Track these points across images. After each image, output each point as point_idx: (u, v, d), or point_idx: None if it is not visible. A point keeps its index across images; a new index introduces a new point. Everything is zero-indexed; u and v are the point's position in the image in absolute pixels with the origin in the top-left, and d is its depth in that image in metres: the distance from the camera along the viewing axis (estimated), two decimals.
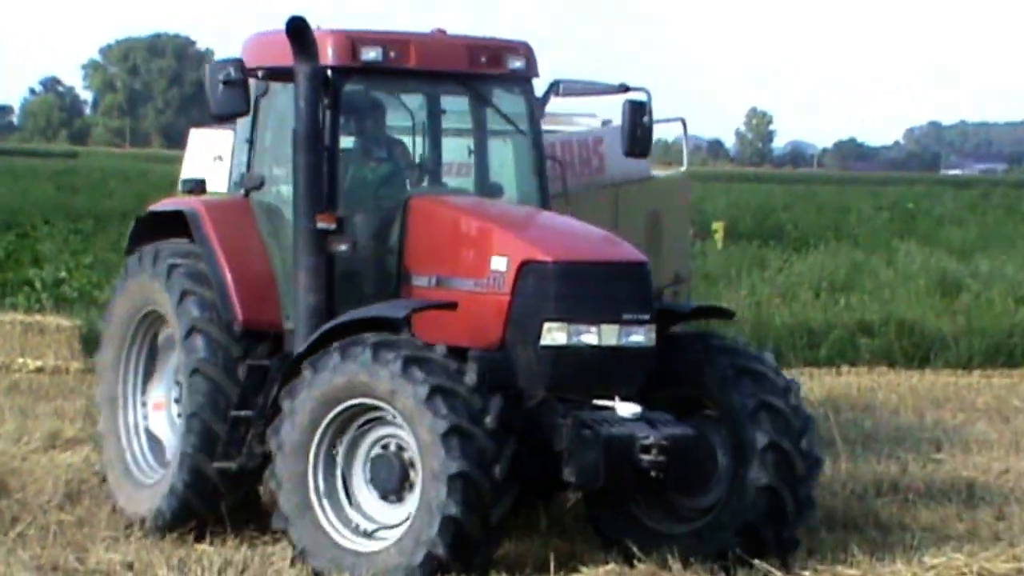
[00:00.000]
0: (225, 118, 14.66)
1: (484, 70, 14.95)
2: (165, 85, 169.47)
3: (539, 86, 15.53)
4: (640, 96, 15.35)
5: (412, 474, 13.21)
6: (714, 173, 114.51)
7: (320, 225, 14.22)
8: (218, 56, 14.11)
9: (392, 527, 13.30)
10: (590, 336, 13.59)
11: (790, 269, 39.12)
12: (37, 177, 70.30)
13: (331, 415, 13.31)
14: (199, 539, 15.05)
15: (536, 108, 15.32)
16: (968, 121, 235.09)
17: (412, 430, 12.96)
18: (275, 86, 14.89)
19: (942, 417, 23.57)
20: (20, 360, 24.81)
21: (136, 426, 15.62)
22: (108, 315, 15.84)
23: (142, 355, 15.64)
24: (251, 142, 15.12)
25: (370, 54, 14.52)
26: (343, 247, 14.42)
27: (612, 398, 13.69)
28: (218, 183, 15.97)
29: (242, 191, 15.21)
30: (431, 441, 12.78)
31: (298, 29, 13.97)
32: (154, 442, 15.60)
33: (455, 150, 15.45)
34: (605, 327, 13.62)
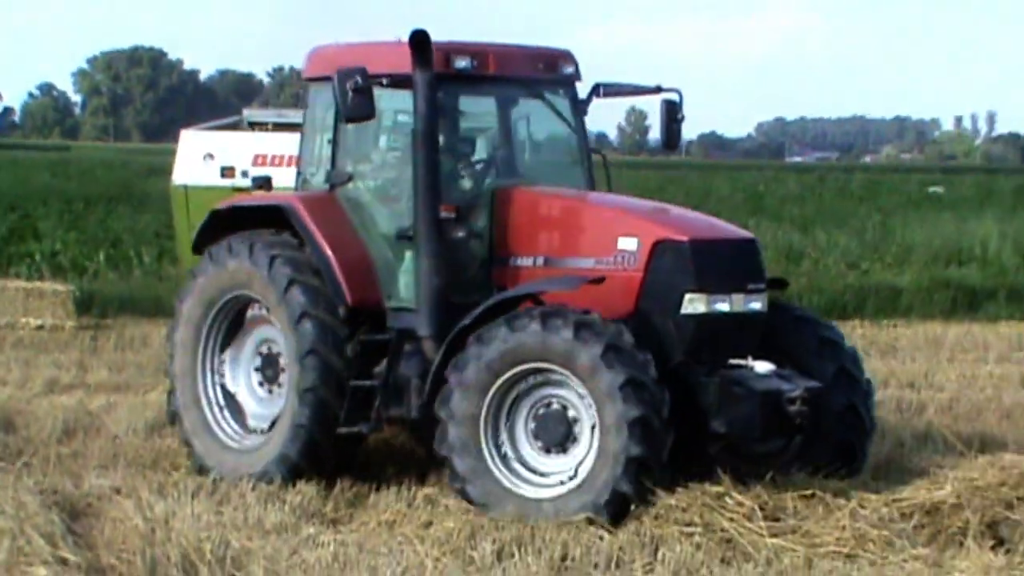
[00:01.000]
0: (355, 121, 13.84)
1: (543, 75, 14.56)
2: (143, 90, 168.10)
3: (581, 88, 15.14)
4: (673, 96, 14.99)
5: (575, 428, 12.82)
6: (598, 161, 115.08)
7: (444, 215, 13.70)
8: (345, 66, 13.61)
9: (560, 474, 12.88)
10: (723, 304, 13.27)
11: None
12: (36, 167, 69.67)
13: (499, 382, 12.80)
14: (176, 468, 14.99)
15: (581, 108, 14.89)
16: (807, 117, 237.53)
17: (587, 386, 12.52)
18: None
19: None
20: (23, 320, 24.66)
21: (216, 396, 14.81)
22: (187, 298, 14.78)
23: (220, 333, 14.78)
24: (335, 143, 14.44)
25: (461, 63, 14.05)
26: (461, 234, 13.95)
27: (743, 358, 13.41)
28: (208, 177, 15.78)
29: (327, 186, 14.52)
30: (608, 393, 12.38)
31: (420, 41, 13.51)
32: (235, 411, 14.82)
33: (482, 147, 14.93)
34: (735, 296, 13.35)
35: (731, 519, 12.63)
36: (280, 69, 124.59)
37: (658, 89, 14.87)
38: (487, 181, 14.43)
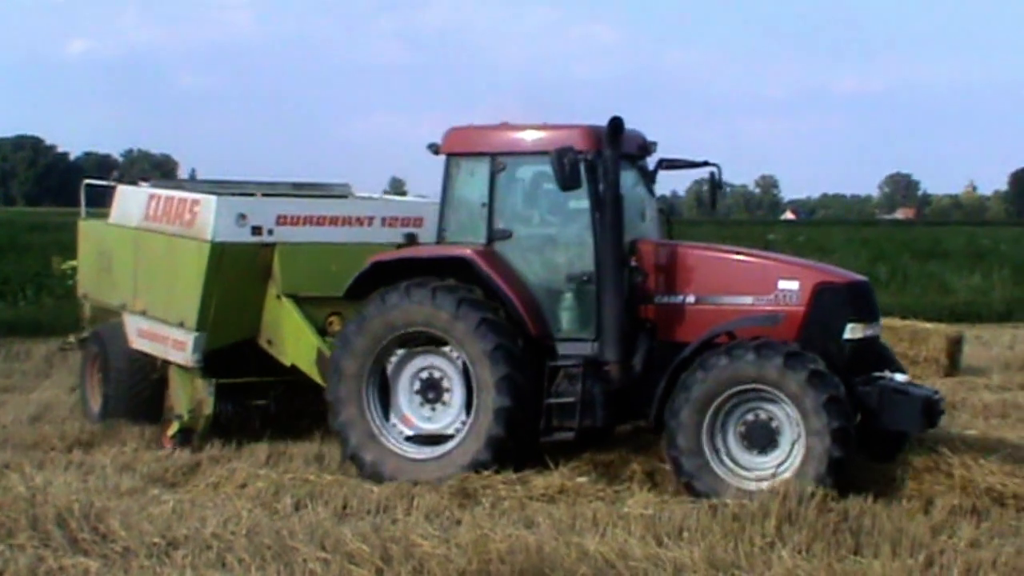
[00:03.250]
0: (570, 189, 12.76)
1: (639, 152, 13.75)
2: (25, 167, 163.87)
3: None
4: (714, 169, 14.24)
5: (778, 435, 12.18)
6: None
7: (631, 263, 12.87)
8: (561, 145, 12.71)
9: (761, 471, 12.20)
10: (868, 330, 12.76)
11: None
12: None
13: (720, 398, 12.12)
14: (52, 448, 14.80)
15: (653, 176, 14.13)
16: None
17: (795, 403, 11.88)
18: (512, 164, 13.32)
19: None
20: None
21: (378, 412, 13.46)
22: (352, 337, 13.32)
23: (384, 363, 13.44)
24: (491, 207, 13.23)
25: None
26: (639, 279, 12.95)
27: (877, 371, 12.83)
28: (242, 235, 14.52)
29: (481, 242, 13.30)
30: (814, 409, 11.78)
31: (617, 125, 12.69)
32: (394, 424, 13.49)
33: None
34: (871, 324, 12.87)
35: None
36: (130, 151, 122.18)
37: (705, 163, 14.20)
38: (629, 235, 13.33)
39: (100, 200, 17.88)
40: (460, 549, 9.86)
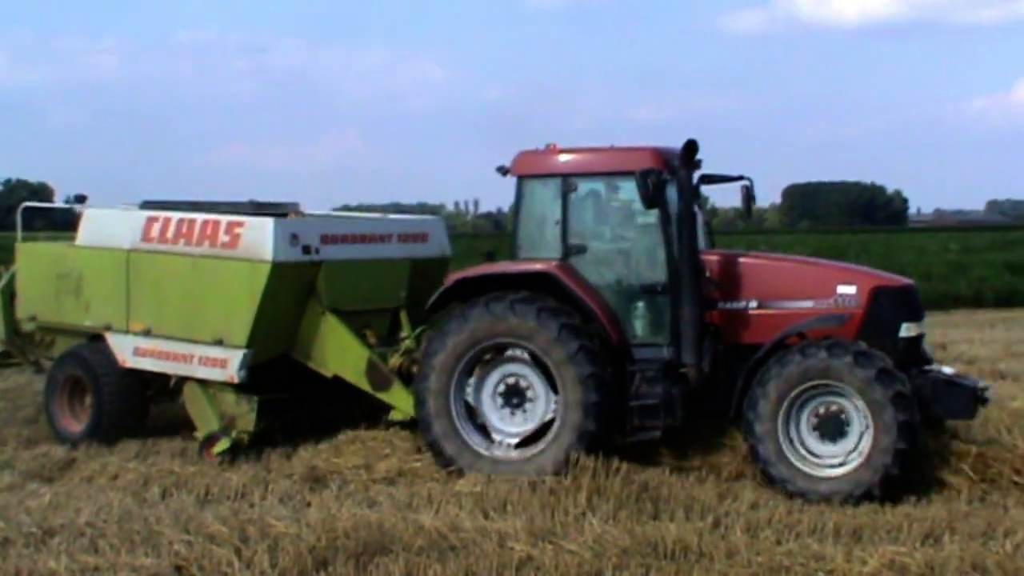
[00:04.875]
0: (655, 207, 12.18)
1: (692, 168, 12.71)
2: None
3: None
4: (747, 183, 13.49)
5: (847, 426, 11.70)
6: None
7: (707, 275, 12.40)
8: (645, 167, 12.01)
9: (831, 459, 11.72)
10: (919, 329, 12.48)
11: None
12: None
13: (794, 393, 11.69)
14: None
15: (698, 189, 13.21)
16: None
17: (863, 397, 11.54)
18: (582, 184, 12.73)
19: None
20: None
21: (462, 412, 12.51)
22: (436, 353, 12.50)
23: (471, 367, 12.51)
24: (564, 223, 12.59)
25: (674, 162, 12.46)
26: (710, 287, 12.40)
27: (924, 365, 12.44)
28: (295, 255, 13.42)
29: (559, 256, 12.56)
30: (883, 403, 11.45)
31: (692, 147, 12.27)
32: (476, 424, 12.55)
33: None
34: (921, 323, 12.58)
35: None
36: (9, 180, 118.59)
37: (740, 177, 13.60)
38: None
39: (28, 224, 16.83)
40: (310, 528, 10.06)
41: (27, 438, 14.72)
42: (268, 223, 13.53)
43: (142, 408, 14.69)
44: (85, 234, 15.02)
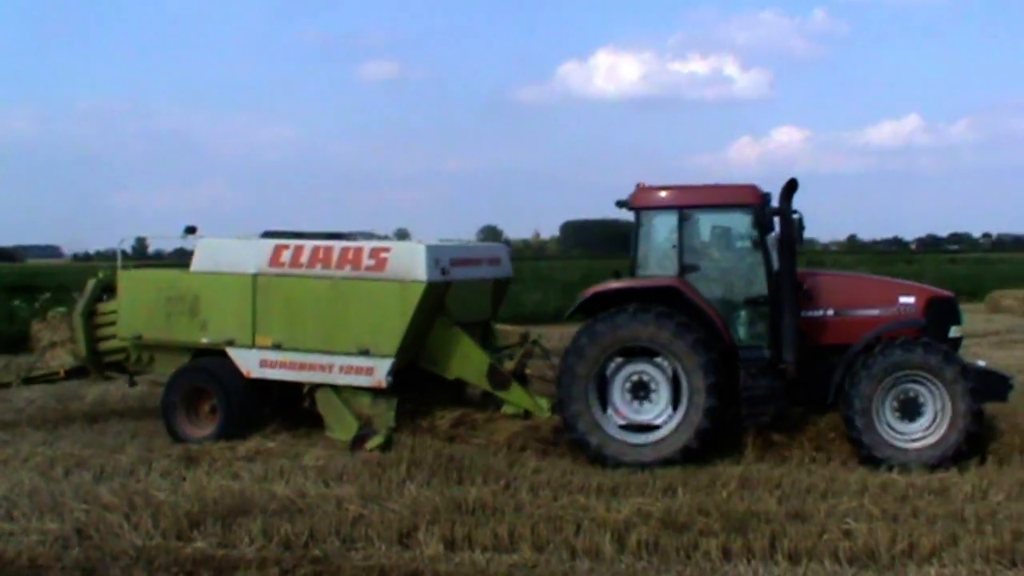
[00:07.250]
0: (768, 232, 12.02)
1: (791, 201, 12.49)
2: None
3: None
4: (799, 215, 12.74)
5: (923, 408, 11.64)
6: None
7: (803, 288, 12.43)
8: (758, 202, 11.78)
9: (910, 435, 11.58)
10: (960, 331, 12.51)
11: None
12: None
13: (887, 381, 11.66)
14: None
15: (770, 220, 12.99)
16: None
17: (947, 388, 11.64)
18: (695, 214, 12.37)
19: None
20: None
21: (597, 403, 11.82)
22: (585, 347, 11.95)
23: (606, 367, 11.89)
24: (680, 247, 12.20)
25: (767, 195, 12.36)
26: (804, 299, 12.39)
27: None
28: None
29: (675, 274, 12.17)
30: (962, 395, 11.62)
31: (794, 185, 12.08)
32: (605, 412, 11.98)
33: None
34: (960, 326, 12.53)
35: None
36: None
37: (794, 212, 12.96)
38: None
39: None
40: (185, 497, 10.70)
41: None
42: (420, 248, 13.30)
43: (263, 412, 13.73)
44: (200, 261, 14.06)
